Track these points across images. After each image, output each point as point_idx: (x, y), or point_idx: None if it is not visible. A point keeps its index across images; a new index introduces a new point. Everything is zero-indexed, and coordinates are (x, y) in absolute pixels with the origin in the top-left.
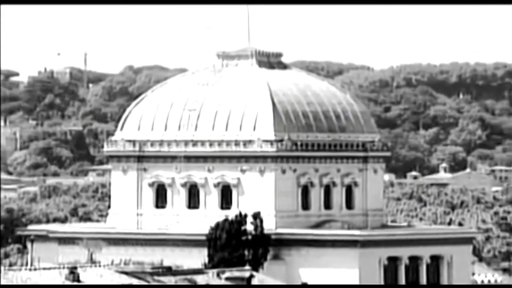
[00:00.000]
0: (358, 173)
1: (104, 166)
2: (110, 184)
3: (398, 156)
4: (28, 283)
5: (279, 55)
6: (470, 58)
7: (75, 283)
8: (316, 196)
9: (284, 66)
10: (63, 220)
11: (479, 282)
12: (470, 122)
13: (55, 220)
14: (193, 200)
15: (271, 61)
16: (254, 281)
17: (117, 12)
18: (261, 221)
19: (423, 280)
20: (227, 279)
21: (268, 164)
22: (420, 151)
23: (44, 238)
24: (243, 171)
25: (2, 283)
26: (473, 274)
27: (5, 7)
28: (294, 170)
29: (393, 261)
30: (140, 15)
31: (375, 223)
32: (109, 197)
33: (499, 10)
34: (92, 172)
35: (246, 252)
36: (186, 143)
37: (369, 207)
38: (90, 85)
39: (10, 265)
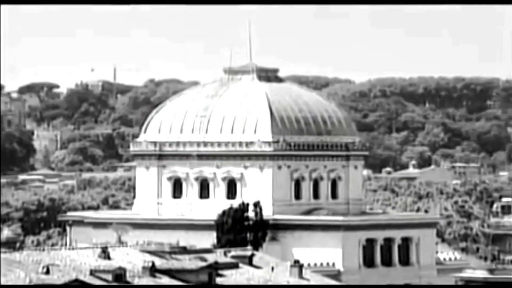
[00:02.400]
0: (342, 169)
1: (130, 163)
2: (135, 178)
3: (375, 154)
4: (68, 260)
5: (275, 70)
6: (435, 73)
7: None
8: (306, 188)
9: (280, 80)
10: (96, 208)
11: (441, 260)
12: (434, 126)
13: (89, 208)
14: (204, 191)
15: (269, 76)
16: (255, 259)
17: (142, 35)
18: (261, 209)
19: (395, 258)
20: (232, 257)
21: (267, 161)
22: (393, 151)
23: (80, 223)
24: (245, 167)
25: (46, 261)
26: (437, 252)
27: (50, 32)
28: (288, 167)
29: (370, 242)
30: (161, 38)
31: (355, 211)
32: (134, 188)
33: (459, 34)
34: (120, 168)
35: (248, 235)
36: (198, 144)
37: (350, 197)
38: (119, 95)
39: (52, 245)
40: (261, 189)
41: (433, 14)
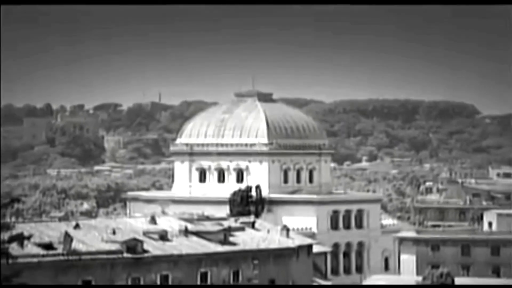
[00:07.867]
0: (316, 162)
1: (170, 159)
2: (173, 169)
3: (338, 152)
4: (127, 225)
5: (270, 94)
6: (380, 95)
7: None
8: (292, 175)
9: (273, 101)
10: (147, 189)
11: (384, 225)
12: (379, 133)
13: (142, 189)
14: (221, 178)
15: (266, 98)
16: (256, 225)
17: (179, 71)
18: (260, 190)
19: (353, 223)
20: (240, 223)
21: (265, 157)
22: (351, 150)
23: (136, 199)
24: (250, 161)
25: (113, 225)
26: (381, 219)
27: (116, 70)
28: (279, 161)
29: (335, 213)
30: (191, 73)
31: (325, 191)
32: (173, 176)
33: (397, 68)
34: (163, 162)
35: (251, 208)
36: (217, 145)
37: (322, 182)
38: (162, 112)
39: (117, 215)
40: (260, 176)
41: (378, 53)
